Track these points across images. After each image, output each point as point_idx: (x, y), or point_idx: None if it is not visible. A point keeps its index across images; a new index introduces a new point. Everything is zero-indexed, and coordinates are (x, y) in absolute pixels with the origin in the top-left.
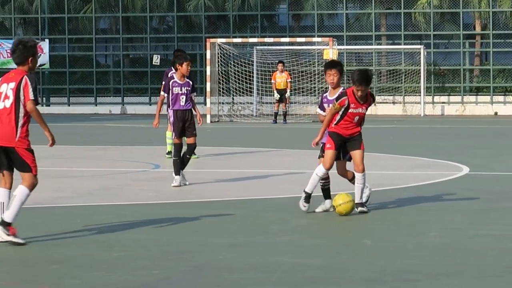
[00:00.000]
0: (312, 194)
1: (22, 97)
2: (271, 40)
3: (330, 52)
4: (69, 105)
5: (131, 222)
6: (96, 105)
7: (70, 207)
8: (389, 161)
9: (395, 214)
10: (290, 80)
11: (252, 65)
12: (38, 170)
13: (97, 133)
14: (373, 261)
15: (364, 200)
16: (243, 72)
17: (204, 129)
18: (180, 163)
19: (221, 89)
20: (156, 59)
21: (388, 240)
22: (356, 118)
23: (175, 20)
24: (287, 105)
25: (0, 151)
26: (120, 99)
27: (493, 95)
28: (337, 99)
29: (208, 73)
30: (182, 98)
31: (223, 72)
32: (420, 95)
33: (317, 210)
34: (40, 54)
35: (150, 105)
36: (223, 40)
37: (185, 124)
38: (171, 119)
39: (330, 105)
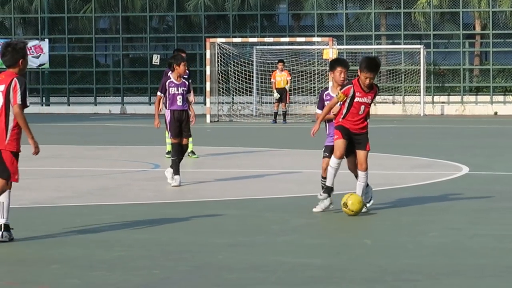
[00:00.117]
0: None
1: (12, 100)
2: (271, 40)
3: (330, 52)
4: (69, 105)
5: (131, 222)
6: (96, 105)
7: (70, 206)
8: (389, 161)
9: (395, 214)
10: (289, 78)
11: (252, 65)
12: (19, 177)
13: (97, 133)
14: (373, 261)
15: (366, 200)
16: (243, 72)
17: (203, 129)
18: (172, 165)
19: (220, 89)
20: (156, 59)
21: (388, 240)
22: (362, 108)
23: (175, 20)
24: (286, 104)
25: None
26: (119, 98)
27: (493, 95)
28: (341, 88)
29: (207, 73)
30: (179, 98)
31: (222, 72)
32: (420, 95)
33: (315, 210)
34: (40, 54)
35: (150, 105)
36: (223, 39)
37: (181, 124)
38: (168, 119)
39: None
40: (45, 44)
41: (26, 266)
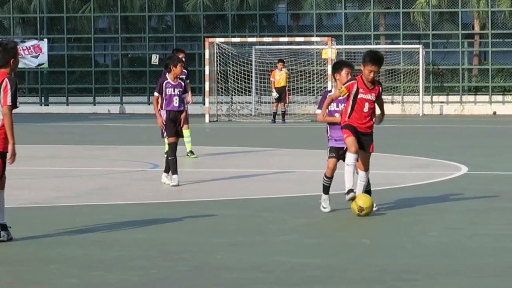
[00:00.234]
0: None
1: (2, 100)
2: (270, 39)
3: (329, 52)
4: (67, 105)
5: (130, 222)
6: (95, 105)
7: (69, 206)
8: (388, 160)
9: (394, 214)
10: (288, 72)
11: (251, 64)
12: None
13: (95, 132)
14: (372, 260)
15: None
16: (242, 71)
17: (202, 129)
18: (168, 164)
19: (219, 89)
20: (155, 59)
21: (387, 239)
22: (366, 105)
23: (174, 20)
24: (286, 104)
25: None
26: (118, 98)
27: (491, 94)
28: (344, 84)
29: (206, 72)
30: (175, 99)
31: (221, 71)
32: (418, 95)
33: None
34: (39, 54)
35: (149, 104)
36: (222, 39)
37: (176, 124)
38: (164, 118)
39: (339, 104)
40: (44, 44)
41: (25, 266)
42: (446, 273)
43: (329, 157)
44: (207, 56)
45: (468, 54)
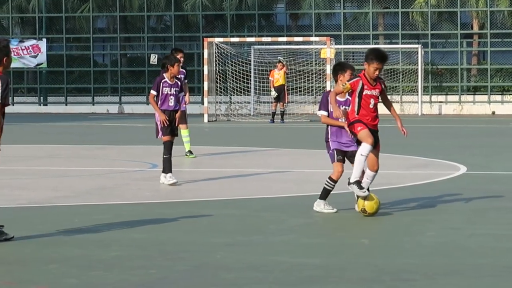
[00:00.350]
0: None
1: None
2: (269, 39)
3: (328, 52)
4: (66, 105)
5: (129, 222)
6: (94, 105)
7: (68, 206)
8: (387, 160)
9: (393, 214)
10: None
11: (250, 64)
12: None
13: (94, 132)
14: (370, 260)
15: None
16: (241, 71)
17: (201, 129)
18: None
19: (218, 89)
20: (154, 59)
21: (386, 239)
22: (372, 101)
23: (173, 20)
24: (285, 104)
25: None
26: (117, 98)
27: (490, 94)
28: (348, 80)
29: (205, 72)
30: (171, 98)
31: (220, 71)
32: (417, 95)
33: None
34: (38, 54)
35: (148, 104)
36: (221, 39)
37: (171, 123)
38: (158, 118)
39: (340, 106)
40: (42, 44)
41: (23, 266)
42: (445, 273)
43: (337, 160)
44: (206, 56)
45: (467, 54)
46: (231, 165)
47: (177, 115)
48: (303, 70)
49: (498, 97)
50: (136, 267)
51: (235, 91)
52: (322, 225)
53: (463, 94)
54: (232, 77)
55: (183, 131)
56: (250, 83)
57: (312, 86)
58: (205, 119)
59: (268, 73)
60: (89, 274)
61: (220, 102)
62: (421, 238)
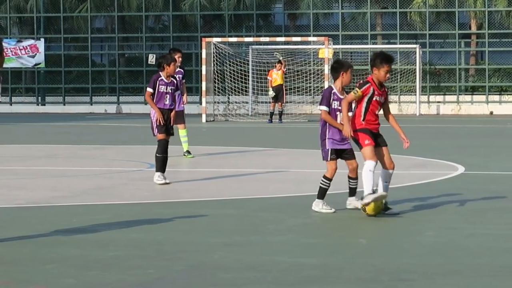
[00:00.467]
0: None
1: None
2: (267, 39)
3: (326, 52)
4: (64, 105)
5: (127, 222)
6: (92, 105)
7: (66, 206)
8: None
9: (391, 214)
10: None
11: (248, 64)
12: None
13: (92, 132)
14: (368, 260)
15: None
16: (239, 71)
17: (199, 129)
18: (158, 162)
19: (216, 89)
20: (152, 59)
21: (384, 239)
22: (379, 108)
23: (171, 20)
24: (283, 104)
25: None
26: (115, 98)
27: (488, 94)
28: (359, 87)
29: (203, 72)
30: (167, 97)
31: (218, 71)
32: (415, 95)
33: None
34: (36, 54)
35: (146, 104)
36: (219, 39)
37: (166, 122)
38: (154, 116)
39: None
40: (40, 44)
41: (21, 266)
42: (443, 273)
43: (331, 159)
44: (204, 56)
45: (465, 54)
46: (229, 165)
47: (172, 114)
48: (301, 70)
49: (496, 97)
50: (134, 267)
51: (233, 91)
52: (320, 225)
53: (461, 94)
54: (230, 77)
55: (181, 131)
56: (248, 83)
57: (310, 86)
58: (203, 119)
59: (266, 73)
60: (87, 274)
61: (218, 102)
62: (420, 238)
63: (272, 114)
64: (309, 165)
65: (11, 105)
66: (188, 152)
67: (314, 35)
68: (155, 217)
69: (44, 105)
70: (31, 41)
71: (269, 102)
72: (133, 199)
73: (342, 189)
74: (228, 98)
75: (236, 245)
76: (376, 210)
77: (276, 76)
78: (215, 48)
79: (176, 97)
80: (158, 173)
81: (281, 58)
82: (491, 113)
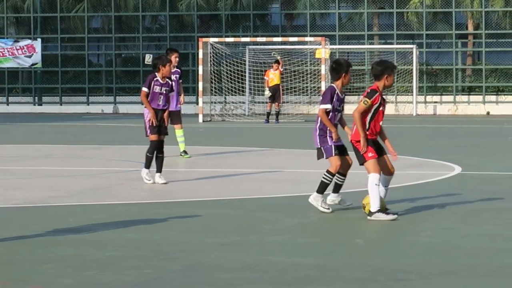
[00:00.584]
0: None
1: None
2: (264, 39)
3: (323, 52)
4: (61, 105)
5: (124, 222)
6: (88, 105)
7: (63, 206)
8: None
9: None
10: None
11: (245, 64)
12: None
13: (89, 132)
14: (365, 260)
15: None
16: (236, 71)
17: (196, 129)
18: (158, 163)
19: (213, 89)
20: (148, 59)
21: (381, 239)
22: (382, 117)
23: (168, 20)
24: (280, 104)
25: None
26: (112, 98)
27: (485, 94)
28: (368, 97)
29: (200, 72)
30: (161, 97)
31: (215, 71)
32: (412, 95)
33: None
34: (32, 54)
35: (142, 104)
36: (216, 39)
37: (159, 122)
38: (147, 116)
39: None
40: (37, 44)
41: (18, 266)
42: (440, 273)
43: (335, 154)
44: (200, 56)
45: (462, 54)
46: (226, 165)
47: (165, 114)
48: (298, 70)
49: (493, 98)
50: (131, 267)
51: (230, 91)
52: (317, 225)
53: (457, 95)
54: (227, 77)
55: (178, 131)
56: (245, 83)
57: (307, 86)
58: (200, 119)
59: (263, 73)
60: (84, 274)
61: (215, 102)
62: (416, 238)
63: (268, 114)
64: (306, 165)
65: (7, 105)
66: (185, 152)
67: (311, 35)
68: (152, 217)
69: (41, 105)
70: (28, 41)
71: (266, 102)
72: (130, 199)
73: (348, 189)
74: (225, 98)
75: (233, 245)
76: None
77: (273, 76)
78: (212, 48)
79: (172, 97)
80: (146, 171)
81: (279, 58)
82: (488, 113)
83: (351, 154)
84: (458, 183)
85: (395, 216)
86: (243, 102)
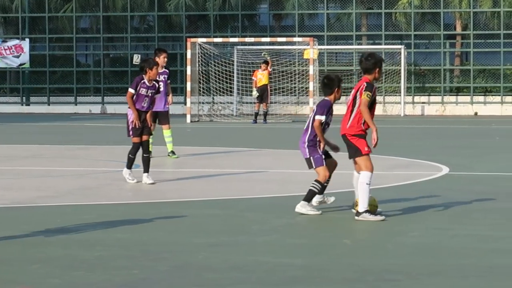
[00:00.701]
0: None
1: None
2: (252, 40)
3: (311, 52)
4: (49, 105)
5: (112, 222)
6: (76, 105)
7: (51, 206)
8: None
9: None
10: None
11: (233, 64)
12: None
13: (77, 132)
14: (353, 261)
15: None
16: (224, 71)
17: (184, 129)
18: (145, 163)
19: (201, 89)
20: (137, 59)
21: (369, 240)
22: (373, 115)
23: (156, 20)
24: (268, 105)
25: None
26: (100, 98)
27: (473, 95)
28: (369, 90)
29: (188, 72)
30: (145, 100)
31: (203, 71)
32: (400, 95)
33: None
34: (20, 54)
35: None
36: (204, 39)
37: (143, 123)
38: (130, 117)
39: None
40: (25, 44)
41: (7, 266)
42: (428, 273)
43: (324, 165)
44: (189, 56)
45: (450, 54)
46: (214, 166)
47: (148, 115)
48: (286, 71)
49: (480, 98)
50: (119, 267)
51: (218, 92)
52: (305, 226)
53: (445, 95)
54: (215, 77)
55: (166, 132)
56: (233, 84)
57: (295, 87)
58: (188, 119)
59: (251, 73)
60: (72, 274)
61: (203, 103)
62: (404, 238)
63: (256, 114)
64: (294, 166)
65: None
66: (173, 152)
67: (299, 36)
68: (140, 217)
69: (29, 105)
70: (16, 41)
71: (254, 103)
72: (118, 199)
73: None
74: (213, 98)
75: (220, 245)
76: (372, 209)
77: (261, 77)
78: (200, 48)
79: (160, 98)
80: (128, 171)
81: (268, 58)
82: (476, 113)
83: (341, 154)
84: (446, 183)
85: (383, 217)
86: (231, 103)
